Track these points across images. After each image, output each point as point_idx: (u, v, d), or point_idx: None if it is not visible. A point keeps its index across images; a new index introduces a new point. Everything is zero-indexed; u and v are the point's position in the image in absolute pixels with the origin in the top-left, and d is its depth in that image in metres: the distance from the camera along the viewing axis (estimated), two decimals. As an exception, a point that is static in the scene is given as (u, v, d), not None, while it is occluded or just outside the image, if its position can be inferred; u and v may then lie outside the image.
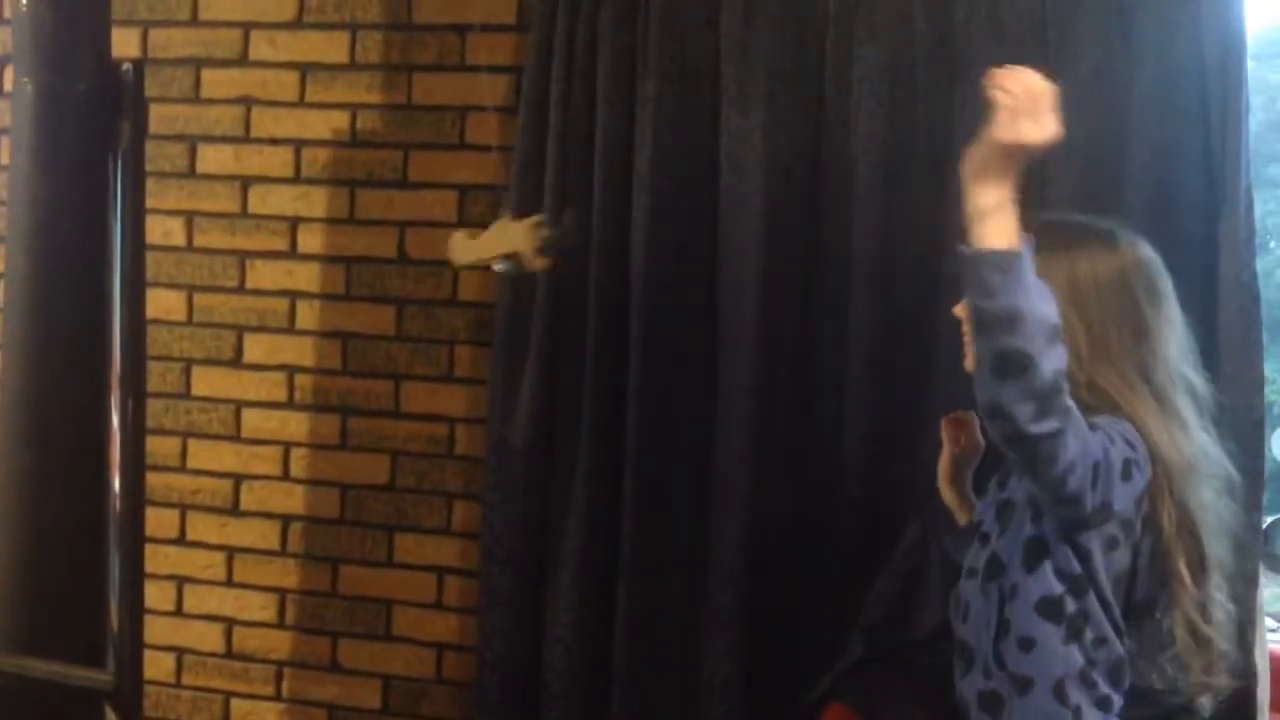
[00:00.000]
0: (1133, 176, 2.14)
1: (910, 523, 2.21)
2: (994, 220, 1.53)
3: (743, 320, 2.27)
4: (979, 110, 2.17)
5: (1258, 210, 2.15)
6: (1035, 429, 1.49)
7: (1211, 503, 1.65)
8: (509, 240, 2.10)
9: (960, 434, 1.87)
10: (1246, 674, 2.13)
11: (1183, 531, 1.62)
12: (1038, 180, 2.18)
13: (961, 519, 1.91)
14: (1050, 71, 2.12)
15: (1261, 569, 2.23)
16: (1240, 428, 2.10)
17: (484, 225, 2.46)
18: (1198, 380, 1.70)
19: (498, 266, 2.14)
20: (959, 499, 1.90)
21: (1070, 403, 1.52)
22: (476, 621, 2.44)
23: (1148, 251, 1.71)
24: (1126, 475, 1.58)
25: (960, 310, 1.75)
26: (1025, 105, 1.53)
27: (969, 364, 1.68)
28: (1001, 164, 1.56)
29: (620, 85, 2.32)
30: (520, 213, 2.19)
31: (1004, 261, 1.50)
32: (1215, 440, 1.70)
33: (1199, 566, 1.63)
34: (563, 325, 2.36)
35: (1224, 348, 2.10)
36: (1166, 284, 1.71)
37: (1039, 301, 1.50)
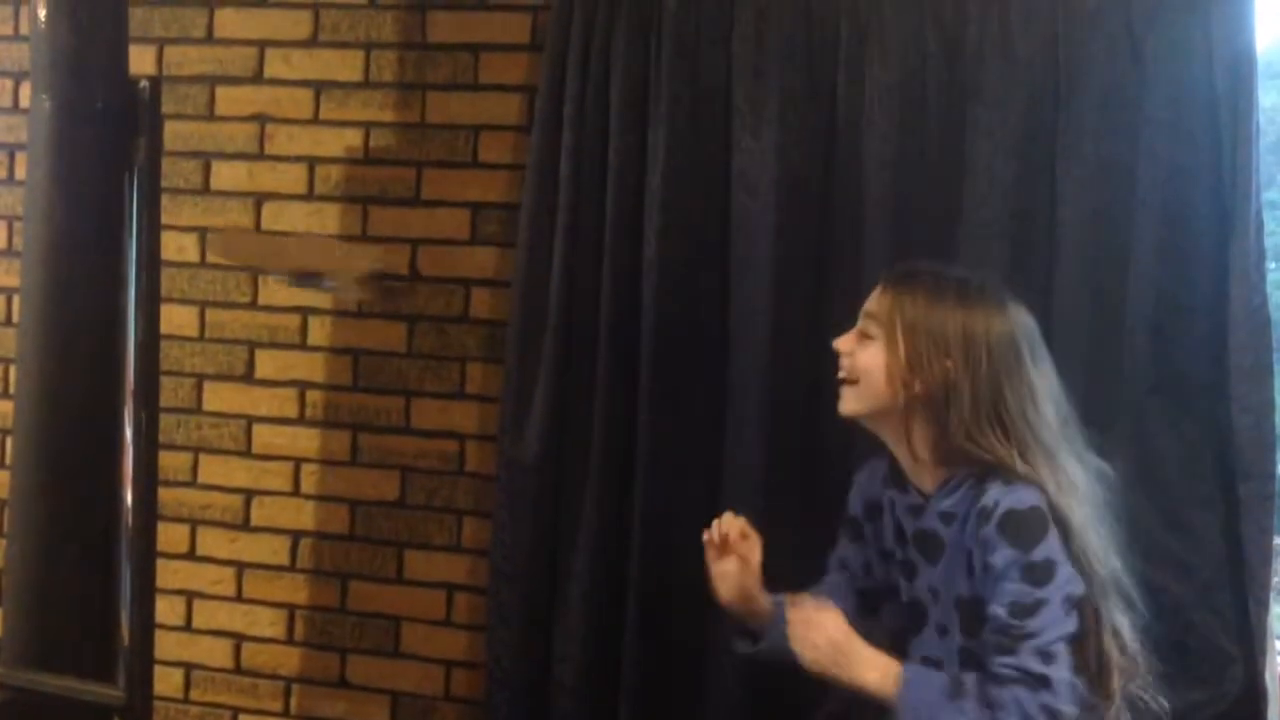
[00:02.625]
0: (1143, 199, 2.15)
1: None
2: (877, 680, 1.66)
3: (754, 339, 2.28)
4: (990, 133, 2.21)
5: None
6: None
7: (1095, 531, 1.70)
8: (318, 257, 2.04)
9: (740, 546, 1.88)
10: (1255, 695, 2.13)
11: (1077, 560, 1.67)
12: (1048, 204, 2.20)
13: (751, 621, 1.91)
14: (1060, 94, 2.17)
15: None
16: (1250, 452, 2.11)
17: (498, 244, 2.51)
18: (1066, 410, 1.76)
19: (296, 283, 2.09)
20: (751, 604, 1.89)
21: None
22: (485, 638, 2.45)
23: (1029, 317, 1.78)
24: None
25: (841, 345, 1.80)
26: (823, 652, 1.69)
27: (842, 407, 1.81)
28: (836, 664, 1.69)
29: (633, 105, 2.33)
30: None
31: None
32: (1083, 463, 1.75)
33: (1092, 589, 1.68)
34: (574, 343, 2.36)
35: (1234, 371, 2.10)
36: (1043, 347, 1.78)
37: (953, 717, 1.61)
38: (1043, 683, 1.59)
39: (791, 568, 2.26)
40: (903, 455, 1.80)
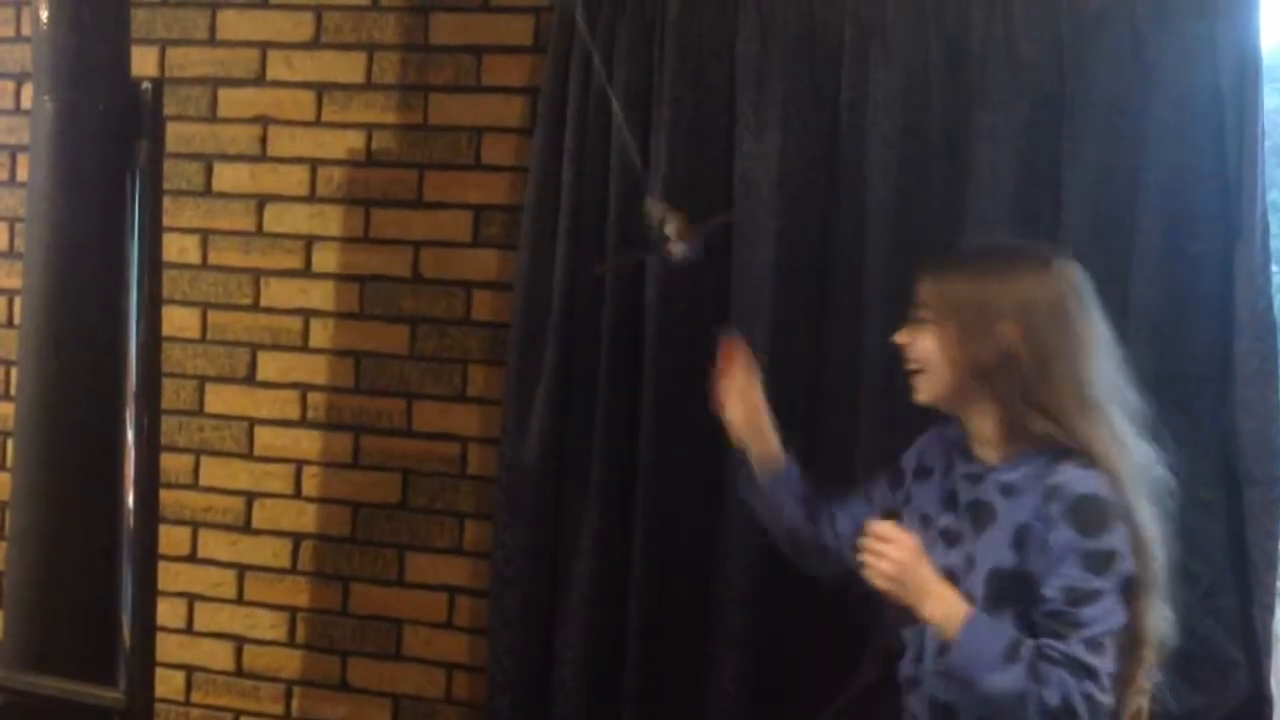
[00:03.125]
0: (1147, 203, 2.14)
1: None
2: (941, 615, 1.67)
3: (756, 342, 2.26)
4: (994, 137, 2.20)
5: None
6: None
7: (1150, 512, 1.71)
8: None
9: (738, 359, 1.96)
10: (1259, 701, 2.13)
11: (1135, 549, 1.67)
12: (1052, 207, 2.19)
13: (756, 458, 1.97)
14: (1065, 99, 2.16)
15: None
16: (1255, 456, 2.10)
17: (500, 246, 2.50)
18: (1128, 391, 1.76)
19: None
20: (759, 434, 1.96)
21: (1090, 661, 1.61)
22: (487, 642, 2.44)
23: (1077, 272, 1.78)
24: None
25: (901, 338, 1.79)
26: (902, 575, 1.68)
27: (916, 396, 1.83)
28: (905, 588, 1.68)
29: (636, 108, 2.32)
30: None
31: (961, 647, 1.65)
32: (1145, 446, 1.75)
33: (1146, 578, 1.68)
34: (577, 346, 2.36)
35: (1239, 374, 2.10)
36: (1094, 304, 1.77)
37: (999, 674, 1.61)
38: (1089, 672, 1.60)
39: (795, 567, 2.27)
40: (974, 430, 1.80)
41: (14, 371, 2.55)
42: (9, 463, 2.27)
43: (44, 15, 2.06)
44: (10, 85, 2.76)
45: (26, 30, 2.69)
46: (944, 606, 1.67)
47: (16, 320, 2.62)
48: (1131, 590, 1.66)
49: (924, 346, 1.80)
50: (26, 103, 2.70)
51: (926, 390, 1.82)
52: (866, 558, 1.71)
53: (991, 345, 1.72)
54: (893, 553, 1.68)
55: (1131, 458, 1.70)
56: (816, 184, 2.28)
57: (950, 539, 1.80)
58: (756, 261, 2.27)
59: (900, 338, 1.84)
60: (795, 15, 2.28)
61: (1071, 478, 1.67)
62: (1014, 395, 1.72)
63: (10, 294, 2.73)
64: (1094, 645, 1.61)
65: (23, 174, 2.69)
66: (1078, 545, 1.64)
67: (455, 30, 2.53)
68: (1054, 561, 1.65)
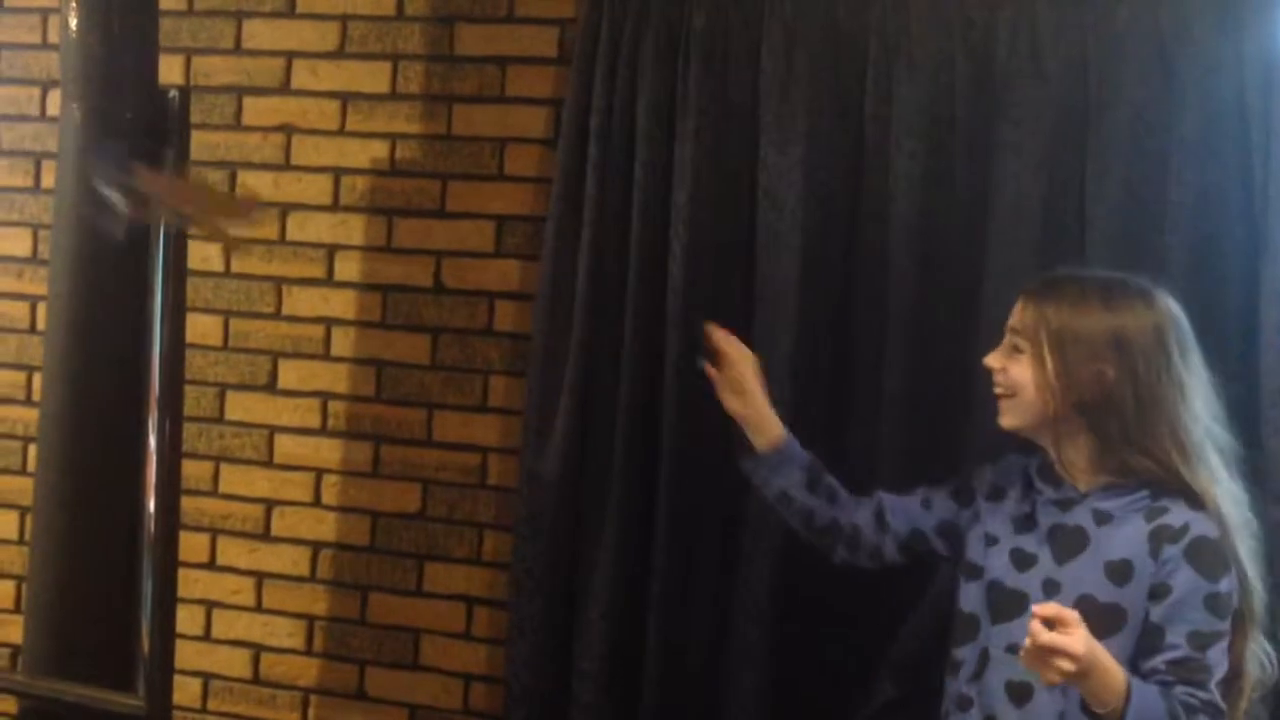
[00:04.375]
0: (1174, 221, 2.13)
1: (942, 564, 2.20)
2: (1107, 690, 1.58)
3: (778, 356, 2.26)
4: (1019, 151, 2.20)
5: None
6: None
7: (1248, 549, 1.70)
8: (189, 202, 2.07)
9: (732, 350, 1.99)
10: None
11: (1238, 589, 1.67)
12: (1077, 223, 2.18)
13: (759, 441, 1.99)
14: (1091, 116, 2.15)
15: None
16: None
17: (522, 257, 2.51)
18: (1220, 433, 1.75)
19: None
20: (758, 416, 1.99)
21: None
22: (505, 653, 2.44)
23: (1178, 309, 1.76)
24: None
25: (992, 362, 1.77)
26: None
27: (1002, 420, 1.80)
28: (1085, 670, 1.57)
29: (660, 120, 2.32)
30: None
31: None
32: (1237, 485, 1.74)
33: (1248, 618, 1.68)
34: (598, 358, 2.36)
35: (1265, 395, 2.08)
36: (1194, 342, 1.76)
37: None
38: (1222, 714, 1.62)
39: (813, 583, 2.27)
40: (1063, 458, 1.78)
41: (37, 377, 2.57)
42: (32, 468, 2.29)
43: (73, 23, 2.08)
44: (36, 92, 2.77)
45: (52, 38, 2.71)
46: (1111, 681, 1.58)
47: (40, 326, 2.63)
48: (1237, 630, 1.66)
49: (1018, 374, 1.77)
50: (52, 110, 2.72)
51: (1013, 416, 1.80)
52: (1036, 657, 1.55)
53: (1093, 382, 1.70)
54: (1071, 646, 1.52)
55: (1229, 497, 1.69)
56: (840, 197, 2.28)
57: (1023, 562, 1.78)
58: (780, 274, 2.27)
59: (992, 361, 1.81)
60: (820, 29, 2.28)
61: (1187, 519, 1.66)
62: (1113, 432, 1.70)
63: (34, 300, 2.74)
64: (1222, 685, 1.63)
65: (47, 181, 2.70)
66: (1201, 588, 1.63)
67: (480, 41, 2.54)
68: (1177, 605, 1.64)
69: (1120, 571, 1.68)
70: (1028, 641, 1.54)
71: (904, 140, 2.23)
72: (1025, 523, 1.81)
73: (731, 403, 2.02)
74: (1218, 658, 1.63)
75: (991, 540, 1.84)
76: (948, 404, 2.22)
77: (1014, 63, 2.20)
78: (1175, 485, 1.68)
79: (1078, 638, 1.52)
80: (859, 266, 2.28)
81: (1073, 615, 1.54)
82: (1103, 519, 1.72)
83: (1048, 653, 1.52)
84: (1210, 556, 1.65)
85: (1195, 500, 1.67)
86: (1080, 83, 2.18)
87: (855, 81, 2.27)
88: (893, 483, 2.19)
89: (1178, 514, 1.66)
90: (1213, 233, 2.12)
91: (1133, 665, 1.66)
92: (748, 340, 2.30)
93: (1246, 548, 1.68)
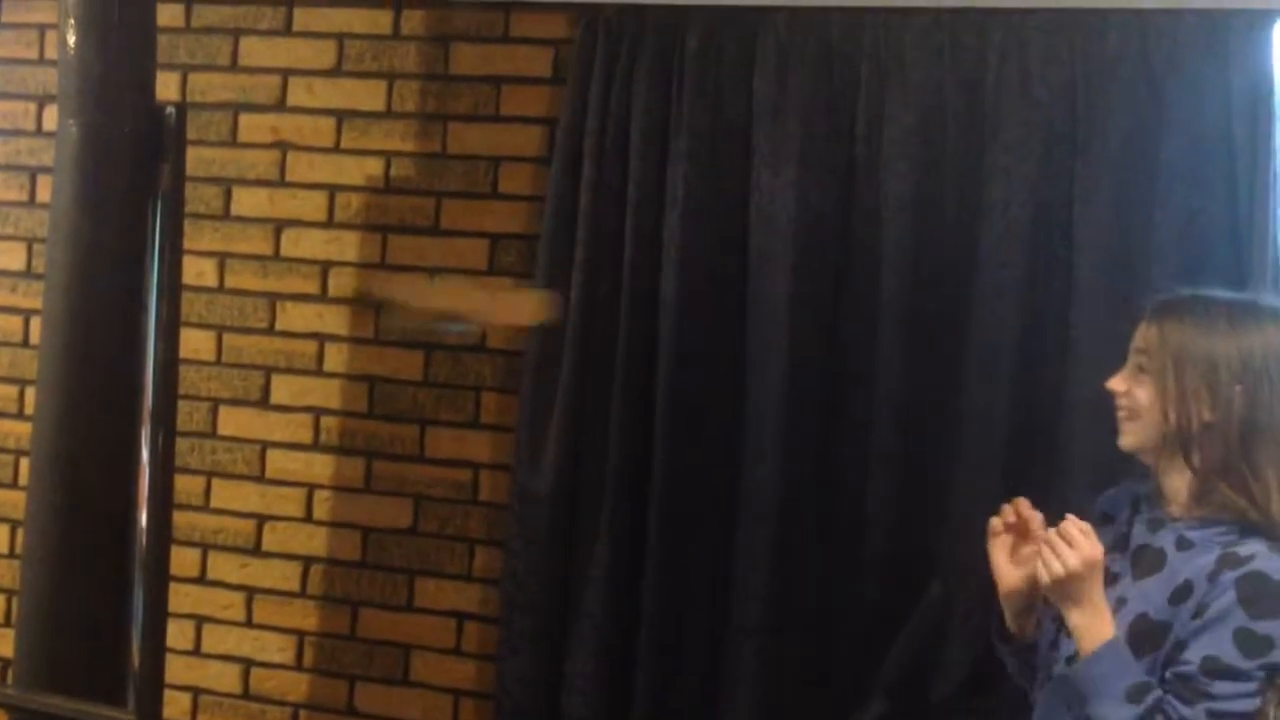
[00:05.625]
0: (1160, 245, 2.16)
1: (933, 580, 2.21)
2: (1086, 626, 1.64)
3: (770, 375, 2.28)
4: (1008, 176, 2.22)
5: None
6: None
7: None
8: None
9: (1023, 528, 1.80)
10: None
11: None
12: (1065, 247, 2.21)
13: (1015, 623, 1.82)
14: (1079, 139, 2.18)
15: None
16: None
17: (515, 275, 2.52)
18: None
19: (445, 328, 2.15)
20: (1022, 605, 1.81)
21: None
22: (495, 669, 2.44)
23: None
24: None
25: (1116, 384, 1.76)
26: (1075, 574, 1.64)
27: (1121, 441, 1.76)
28: (1068, 591, 1.64)
29: (654, 140, 2.35)
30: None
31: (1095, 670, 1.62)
32: None
33: None
34: (590, 375, 2.37)
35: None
36: None
37: (1114, 706, 1.59)
38: None
39: (805, 600, 2.28)
40: (1166, 486, 1.74)
41: (29, 391, 2.57)
42: (23, 481, 2.29)
43: (71, 40, 2.09)
44: (32, 107, 2.78)
45: (49, 53, 2.72)
46: (1093, 621, 1.63)
47: (34, 340, 2.64)
48: (1274, 680, 1.59)
49: (1141, 395, 1.72)
50: (48, 124, 2.73)
51: (1133, 437, 1.75)
52: (1044, 550, 1.65)
53: (1210, 406, 1.66)
54: (1068, 556, 1.62)
55: None
56: (832, 218, 2.30)
57: (1106, 580, 1.73)
58: (772, 294, 2.29)
59: (1115, 384, 1.76)
60: (813, 52, 2.30)
61: (1257, 550, 1.61)
62: (1210, 462, 1.66)
63: (28, 314, 2.75)
64: (1217, 717, 1.57)
65: (42, 195, 2.71)
66: (1236, 619, 1.58)
67: (475, 60, 2.56)
68: (1206, 627, 1.59)
69: (1180, 593, 1.64)
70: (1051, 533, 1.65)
71: (895, 163, 2.26)
72: (1120, 543, 1.78)
73: (1012, 578, 1.80)
74: (1227, 692, 1.56)
75: None
76: (938, 420, 2.24)
77: (1004, 88, 2.23)
78: (1264, 524, 1.63)
79: (1088, 551, 1.62)
80: (850, 286, 2.30)
81: (1093, 545, 1.63)
82: (1184, 545, 1.68)
83: (1056, 545, 1.62)
84: (1264, 593, 1.58)
85: (1278, 539, 1.62)
86: (1069, 108, 2.21)
87: (847, 104, 2.29)
88: (884, 497, 2.21)
89: (1250, 547, 1.61)
90: (1199, 257, 2.14)
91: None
92: (740, 358, 2.32)
93: None
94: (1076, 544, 1.63)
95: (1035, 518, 1.78)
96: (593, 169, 2.37)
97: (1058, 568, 1.63)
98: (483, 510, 2.55)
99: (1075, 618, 1.64)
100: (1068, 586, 1.64)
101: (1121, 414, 1.76)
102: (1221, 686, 1.57)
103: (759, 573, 2.28)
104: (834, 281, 2.30)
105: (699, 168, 2.32)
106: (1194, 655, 1.59)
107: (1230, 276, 2.12)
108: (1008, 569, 1.80)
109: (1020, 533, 1.80)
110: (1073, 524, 1.65)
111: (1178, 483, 1.71)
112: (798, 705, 2.29)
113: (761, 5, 2.33)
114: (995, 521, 1.81)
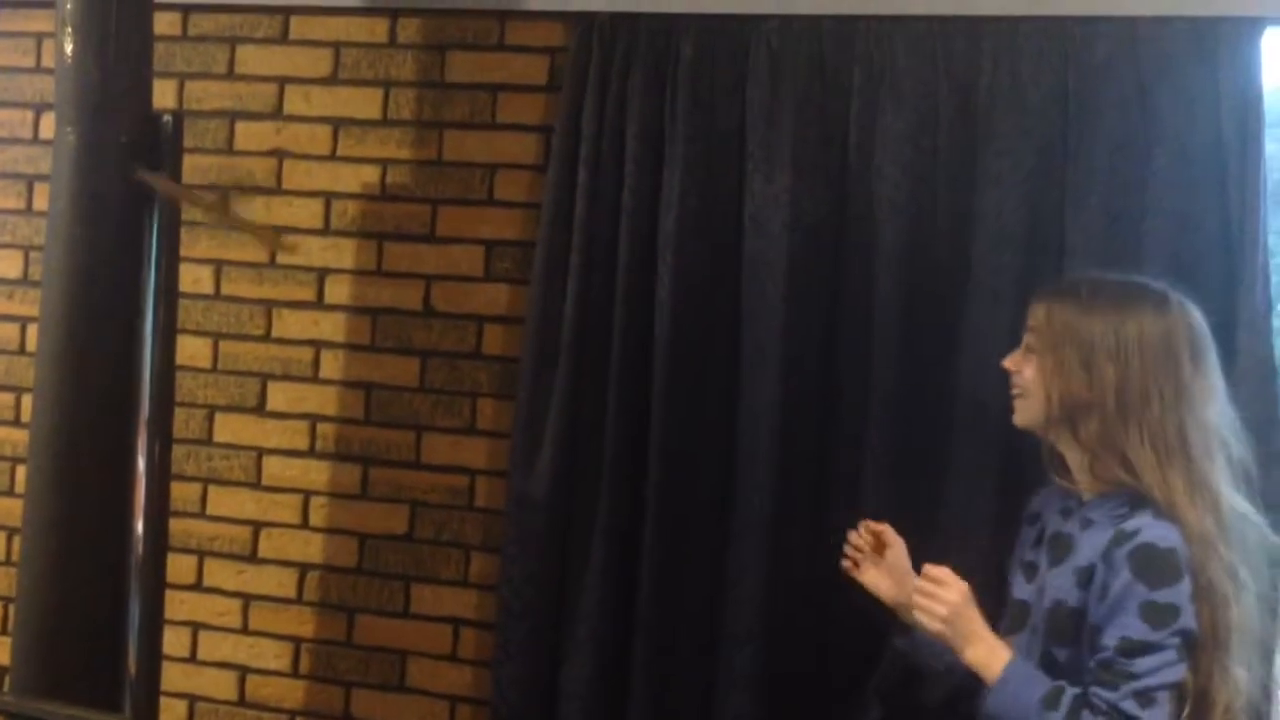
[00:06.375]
0: (1151, 250, 2.17)
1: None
2: (982, 659, 1.71)
3: (765, 380, 2.29)
4: (1000, 182, 2.24)
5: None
6: None
7: (1233, 571, 1.67)
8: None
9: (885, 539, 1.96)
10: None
11: (1201, 604, 1.65)
12: (1057, 253, 2.22)
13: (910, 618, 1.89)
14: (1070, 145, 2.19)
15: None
16: (1257, 504, 2.11)
17: (511, 281, 2.53)
18: (1235, 445, 1.75)
19: None
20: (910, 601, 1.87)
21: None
22: (492, 675, 2.44)
23: (1196, 315, 1.76)
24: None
25: (1009, 364, 1.80)
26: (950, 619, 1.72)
27: (1015, 419, 1.83)
28: (953, 631, 1.73)
29: (648, 147, 2.36)
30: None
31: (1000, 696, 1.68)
32: (1250, 505, 1.73)
33: (1212, 636, 1.65)
34: (586, 382, 2.38)
35: (1242, 424, 2.11)
36: (1211, 349, 1.75)
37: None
38: None
39: (800, 605, 2.28)
40: (1070, 462, 1.80)
41: (25, 399, 2.58)
42: (20, 489, 2.29)
43: (69, 48, 2.11)
44: (29, 115, 2.79)
45: (46, 61, 2.74)
46: (986, 651, 1.70)
47: (30, 348, 2.65)
48: (1196, 647, 1.63)
49: (1029, 373, 1.80)
50: (44, 132, 2.74)
51: (1022, 415, 1.83)
52: (917, 599, 1.73)
53: (1085, 383, 1.71)
54: (943, 595, 1.71)
55: (1220, 511, 1.67)
56: (826, 224, 2.31)
57: (1029, 573, 1.81)
58: (766, 299, 2.30)
59: (1008, 363, 1.84)
60: (806, 59, 2.31)
61: (1142, 524, 1.65)
62: (1092, 437, 1.72)
63: (24, 321, 2.75)
64: (1144, 698, 1.60)
65: (39, 203, 2.72)
66: (1137, 593, 1.62)
67: (471, 68, 2.57)
68: (1113, 609, 1.64)
69: (1084, 576, 1.69)
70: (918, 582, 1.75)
71: (888, 169, 2.27)
72: (1041, 536, 1.84)
73: (883, 586, 1.97)
74: (1149, 667, 1.60)
75: (1021, 562, 1.88)
76: (932, 424, 2.25)
77: (995, 94, 2.24)
78: (1151, 494, 1.68)
79: (955, 589, 1.71)
80: (844, 292, 2.31)
81: (957, 581, 1.72)
82: (1086, 525, 1.74)
83: (924, 597, 1.72)
84: (1156, 564, 1.62)
85: (1164, 509, 1.66)
86: (1061, 113, 2.22)
87: (840, 111, 2.31)
88: (879, 500, 2.22)
89: (1138, 521, 1.66)
90: (1190, 262, 2.15)
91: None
92: (735, 364, 2.33)
93: (1229, 565, 1.65)
94: (944, 584, 1.72)
95: (883, 528, 1.96)
96: (588, 176, 2.38)
97: (939, 611, 1.71)
98: (479, 516, 2.56)
99: (969, 654, 1.72)
100: (952, 627, 1.71)
101: (1015, 392, 1.83)
102: (1141, 663, 1.61)
103: (754, 578, 2.29)
104: (828, 286, 2.31)
105: (693, 174, 2.33)
106: (1109, 639, 1.64)
107: (1220, 281, 2.14)
108: (888, 585, 1.96)
109: (877, 548, 1.97)
110: (930, 570, 1.74)
111: (1074, 458, 1.78)
112: (793, 712, 2.29)
113: (755, 13, 2.35)
114: (853, 554, 1.98)
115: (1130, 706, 1.60)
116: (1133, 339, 1.70)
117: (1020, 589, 1.83)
